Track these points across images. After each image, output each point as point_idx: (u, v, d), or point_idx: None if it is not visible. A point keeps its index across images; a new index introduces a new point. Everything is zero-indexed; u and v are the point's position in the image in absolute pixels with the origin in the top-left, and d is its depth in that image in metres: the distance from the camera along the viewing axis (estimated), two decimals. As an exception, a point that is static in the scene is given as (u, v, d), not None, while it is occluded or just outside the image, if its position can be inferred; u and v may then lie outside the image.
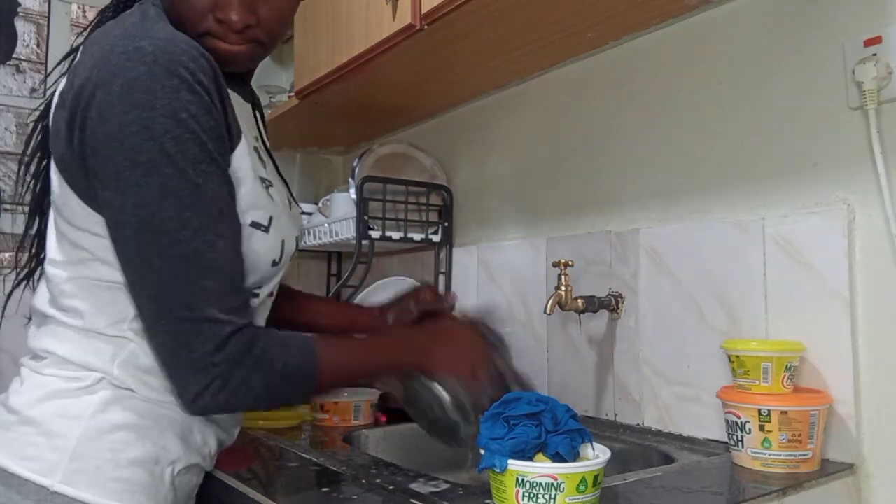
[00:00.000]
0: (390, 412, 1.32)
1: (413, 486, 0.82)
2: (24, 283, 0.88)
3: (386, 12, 1.26)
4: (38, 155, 0.85)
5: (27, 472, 0.68)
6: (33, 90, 2.05)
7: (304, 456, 1.00)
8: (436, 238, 1.66)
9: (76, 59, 0.74)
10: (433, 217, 1.68)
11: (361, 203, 1.54)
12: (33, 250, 0.87)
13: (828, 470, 0.91)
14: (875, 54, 0.93)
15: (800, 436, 0.89)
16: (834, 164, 0.98)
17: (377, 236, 1.56)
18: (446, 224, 1.67)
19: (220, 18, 0.73)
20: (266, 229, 0.77)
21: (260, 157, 0.80)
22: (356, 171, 1.61)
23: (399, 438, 1.26)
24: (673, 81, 1.21)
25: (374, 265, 1.63)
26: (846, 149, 0.97)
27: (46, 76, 0.89)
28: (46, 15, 1.79)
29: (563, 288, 1.18)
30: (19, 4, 1.87)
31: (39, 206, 0.85)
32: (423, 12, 1.19)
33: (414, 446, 1.23)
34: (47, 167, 0.81)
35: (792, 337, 0.99)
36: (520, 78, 1.51)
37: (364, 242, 1.55)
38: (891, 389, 0.91)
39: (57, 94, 0.74)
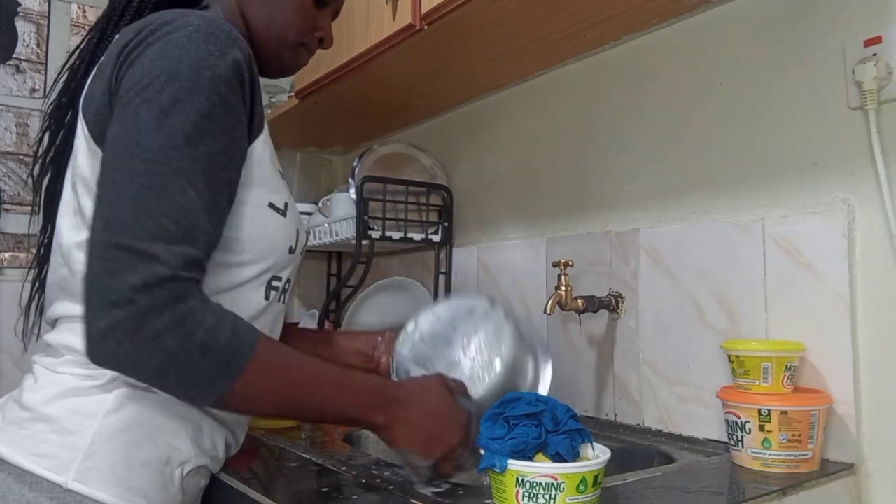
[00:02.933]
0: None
1: (413, 486, 0.82)
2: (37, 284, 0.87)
3: (386, 12, 1.26)
4: (56, 146, 0.84)
5: (40, 469, 0.67)
6: (33, 90, 2.05)
7: (304, 456, 1.00)
8: (436, 238, 1.66)
9: (109, 48, 0.76)
10: (433, 217, 1.68)
11: (361, 203, 1.54)
12: (46, 248, 0.86)
13: (828, 470, 0.91)
14: (875, 54, 0.93)
15: (800, 436, 0.89)
16: (834, 164, 0.98)
17: (377, 236, 1.56)
18: (446, 224, 1.67)
19: (322, 38, 0.88)
20: (283, 213, 0.78)
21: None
22: (356, 171, 1.61)
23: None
24: (673, 81, 1.21)
25: (374, 265, 1.63)
26: (846, 149, 0.97)
27: (59, 75, 0.89)
28: (46, 15, 1.79)
29: (563, 288, 1.18)
30: (19, 4, 1.87)
31: (54, 195, 0.84)
32: (423, 12, 1.19)
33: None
34: (65, 156, 0.81)
35: (792, 337, 0.99)
36: (520, 78, 1.51)
37: (364, 242, 1.55)
38: (891, 389, 0.91)
39: (90, 80, 0.75)
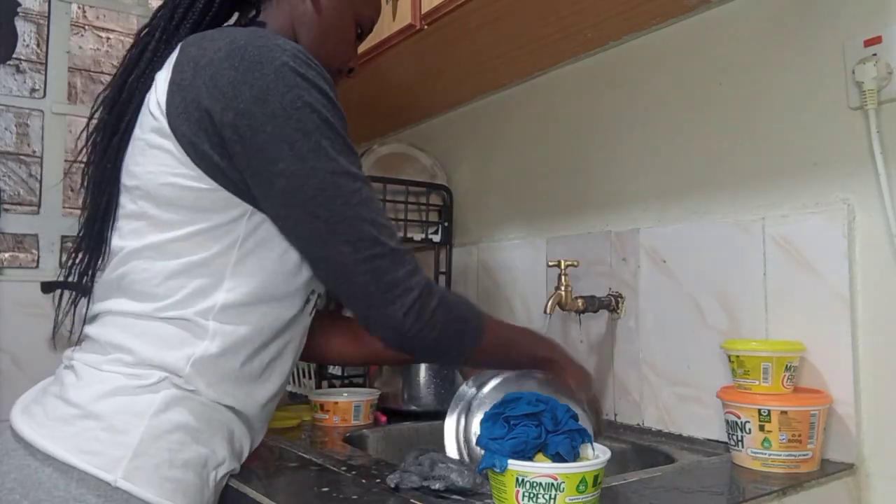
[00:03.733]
0: (390, 412, 1.32)
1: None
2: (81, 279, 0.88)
3: (386, 12, 1.26)
4: (109, 152, 0.85)
5: (89, 466, 0.67)
6: (33, 90, 2.05)
7: (304, 456, 1.00)
8: (436, 238, 1.66)
9: (176, 58, 0.77)
10: (433, 217, 1.68)
11: (361, 203, 1.54)
12: (90, 245, 0.87)
13: (828, 470, 0.91)
14: (875, 54, 0.93)
15: (800, 436, 0.89)
16: (834, 164, 0.98)
17: (377, 236, 1.56)
18: (446, 224, 1.67)
19: (352, 67, 0.95)
20: None
21: None
22: (356, 171, 1.61)
23: (399, 438, 1.26)
24: (673, 81, 1.21)
25: (374, 265, 1.62)
26: (846, 149, 0.97)
27: (111, 81, 0.89)
28: (46, 15, 1.78)
29: (563, 288, 1.18)
30: (19, 4, 1.87)
31: (104, 198, 0.85)
32: (423, 12, 1.19)
33: (414, 446, 1.23)
34: (118, 161, 0.82)
35: (792, 337, 0.99)
36: (520, 78, 1.51)
37: (364, 242, 1.55)
38: (891, 389, 0.91)
39: (158, 88, 0.76)
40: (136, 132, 0.79)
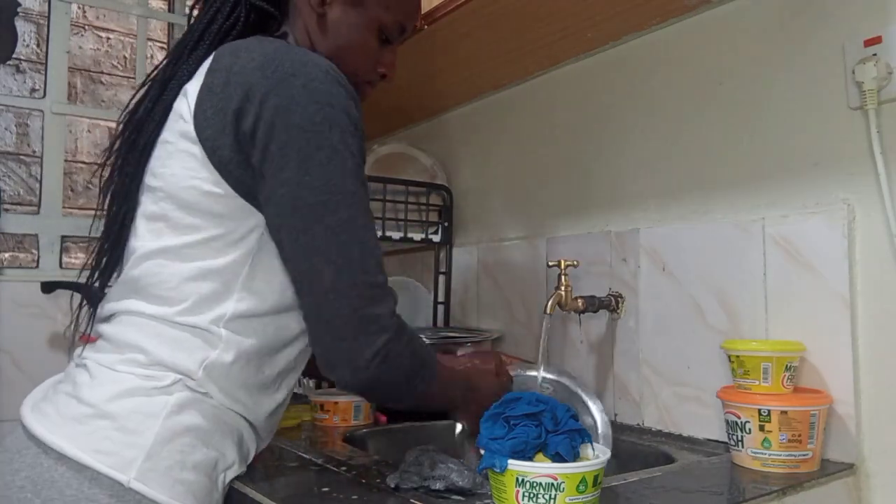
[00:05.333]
0: (390, 412, 1.32)
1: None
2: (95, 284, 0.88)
3: (386, 12, 1.26)
4: (134, 156, 0.85)
5: (102, 466, 0.68)
6: (33, 90, 2.05)
7: (304, 456, 1.00)
8: (436, 238, 1.66)
9: (209, 66, 0.78)
10: (433, 217, 1.68)
11: (361, 203, 1.54)
12: (110, 252, 0.87)
13: (828, 470, 0.91)
14: (875, 54, 0.93)
15: (800, 436, 0.89)
16: (834, 164, 0.98)
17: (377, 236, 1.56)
18: (446, 224, 1.67)
19: (383, 73, 0.91)
20: None
21: None
22: (356, 171, 1.61)
23: (399, 438, 1.25)
24: (673, 81, 1.21)
25: (374, 265, 1.62)
26: (846, 149, 0.97)
27: (139, 88, 0.90)
28: (46, 15, 1.78)
29: (563, 288, 1.18)
30: (19, 4, 1.87)
31: (127, 201, 0.85)
32: (423, 12, 1.19)
33: (414, 446, 1.23)
34: (141, 165, 0.83)
35: (792, 337, 0.99)
36: (520, 78, 1.51)
37: (364, 242, 1.55)
38: (891, 389, 0.91)
39: (188, 94, 0.78)
40: (165, 135, 0.80)
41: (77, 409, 0.71)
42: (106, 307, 0.80)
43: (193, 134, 0.75)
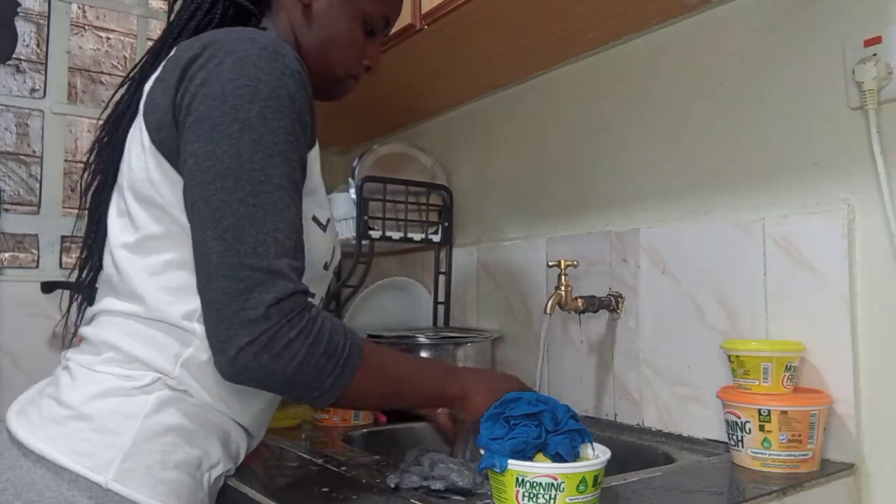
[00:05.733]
0: (390, 412, 1.32)
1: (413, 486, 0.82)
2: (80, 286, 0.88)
3: (386, 12, 1.26)
4: (110, 153, 0.86)
5: (80, 468, 0.67)
6: (33, 90, 2.05)
7: (304, 456, 1.00)
8: (436, 238, 1.66)
9: (168, 57, 0.78)
10: (433, 217, 1.68)
11: (361, 203, 1.54)
12: (89, 249, 0.88)
13: (828, 470, 0.91)
14: (875, 54, 0.93)
15: (800, 436, 0.89)
16: (834, 164, 0.98)
17: (377, 236, 1.56)
18: (446, 224, 1.67)
19: (368, 66, 0.91)
20: (324, 228, 0.80)
21: None
22: (356, 171, 1.61)
23: (399, 438, 1.26)
24: (673, 81, 1.21)
25: (374, 265, 1.63)
26: (846, 149, 0.97)
27: (118, 87, 0.91)
28: (46, 15, 1.78)
29: (563, 288, 1.18)
30: (19, 4, 1.87)
31: (102, 200, 0.86)
32: (423, 12, 1.19)
33: (414, 446, 1.23)
34: (117, 162, 0.83)
35: (792, 337, 0.99)
36: (520, 78, 1.51)
37: (364, 242, 1.55)
38: (891, 389, 0.91)
39: (148, 87, 0.78)
40: (131, 131, 0.80)
41: (57, 411, 0.71)
42: (91, 308, 0.81)
43: (143, 123, 0.75)
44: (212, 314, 0.67)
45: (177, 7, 0.88)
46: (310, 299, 0.71)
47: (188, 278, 0.72)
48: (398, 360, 0.81)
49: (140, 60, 0.87)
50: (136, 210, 0.75)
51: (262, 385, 0.69)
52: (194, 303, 0.72)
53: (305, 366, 0.67)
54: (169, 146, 0.73)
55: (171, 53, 0.78)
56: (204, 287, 0.68)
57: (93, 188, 0.88)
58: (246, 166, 0.67)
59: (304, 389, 0.69)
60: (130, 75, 0.87)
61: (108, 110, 0.88)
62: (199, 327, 0.72)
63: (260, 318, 0.65)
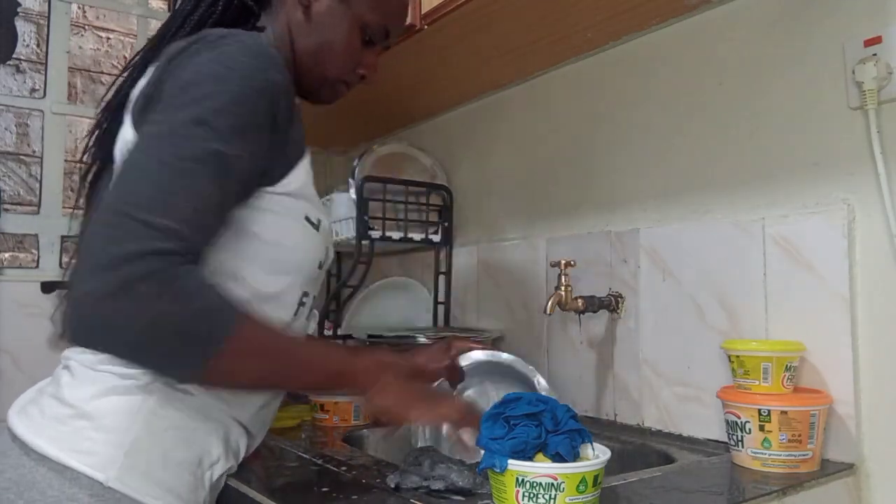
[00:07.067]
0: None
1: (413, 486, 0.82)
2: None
3: (386, 12, 1.26)
4: (103, 146, 0.85)
5: (82, 466, 0.67)
6: (33, 90, 2.05)
7: (304, 456, 1.00)
8: (436, 238, 1.66)
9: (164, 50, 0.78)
10: (433, 217, 1.68)
11: (361, 203, 1.54)
12: None
13: (828, 470, 0.91)
14: (875, 54, 0.93)
15: (800, 436, 0.89)
16: (834, 164, 0.98)
17: (377, 236, 1.56)
18: (446, 224, 1.67)
19: (362, 74, 0.91)
20: (316, 228, 0.80)
21: None
22: (356, 171, 1.61)
23: (399, 438, 1.26)
24: (673, 82, 1.21)
25: (374, 265, 1.63)
26: (846, 149, 0.97)
27: (112, 83, 0.91)
28: (46, 15, 1.78)
29: (563, 288, 1.18)
30: (19, 4, 1.87)
31: (97, 190, 0.85)
32: (423, 12, 1.19)
33: (414, 446, 1.23)
34: (111, 155, 0.82)
35: (792, 337, 0.99)
36: (520, 78, 1.51)
37: (364, 243, 1.55)
38: (891, 389, 0.91)
39: (143, 80, 0.77)
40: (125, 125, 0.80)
41: (58, 410, 0.71)
42: None
43: (129, 114, 0.75)
44: (77, 260, 0.63)
45: None
46: (206, 270, 0.67)
47: None
48: (289, 338, 0.75)
49: (143, 48, 0.87)
50: None
51: (102, 344, 0.65)
52: None
53: (155, 326, 0.60)
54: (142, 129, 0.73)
55: (166, 50, 0.78)
56: (83, 233, 0.66)
57: (91, 173, 0.87)
58: (179, 132, 0.66)
59: (153, 354, 0.63)
60: (132, 62, 0.87)
61: (109, 95, 0.87)
62: None
63: (115, 265, 0.59)
